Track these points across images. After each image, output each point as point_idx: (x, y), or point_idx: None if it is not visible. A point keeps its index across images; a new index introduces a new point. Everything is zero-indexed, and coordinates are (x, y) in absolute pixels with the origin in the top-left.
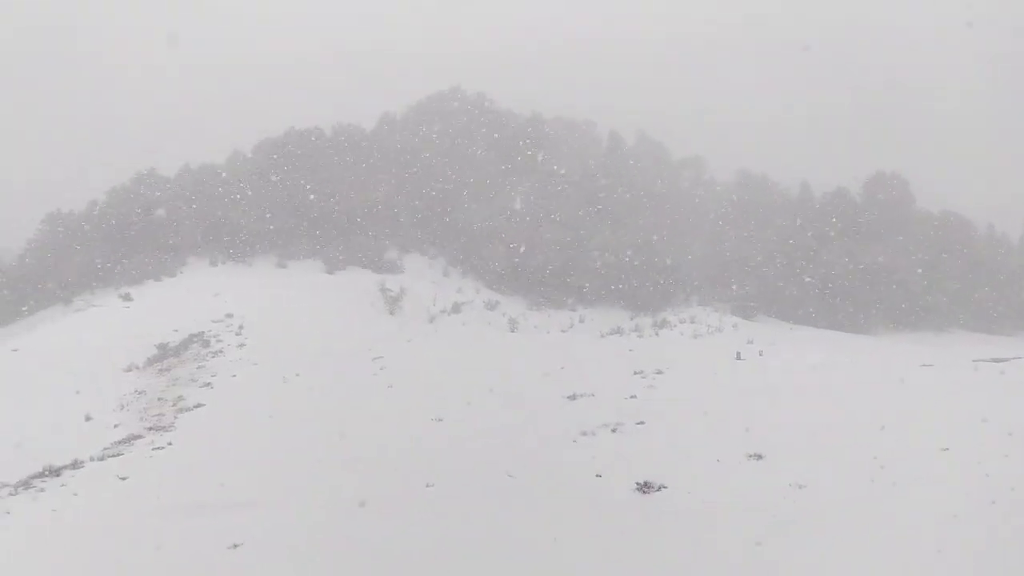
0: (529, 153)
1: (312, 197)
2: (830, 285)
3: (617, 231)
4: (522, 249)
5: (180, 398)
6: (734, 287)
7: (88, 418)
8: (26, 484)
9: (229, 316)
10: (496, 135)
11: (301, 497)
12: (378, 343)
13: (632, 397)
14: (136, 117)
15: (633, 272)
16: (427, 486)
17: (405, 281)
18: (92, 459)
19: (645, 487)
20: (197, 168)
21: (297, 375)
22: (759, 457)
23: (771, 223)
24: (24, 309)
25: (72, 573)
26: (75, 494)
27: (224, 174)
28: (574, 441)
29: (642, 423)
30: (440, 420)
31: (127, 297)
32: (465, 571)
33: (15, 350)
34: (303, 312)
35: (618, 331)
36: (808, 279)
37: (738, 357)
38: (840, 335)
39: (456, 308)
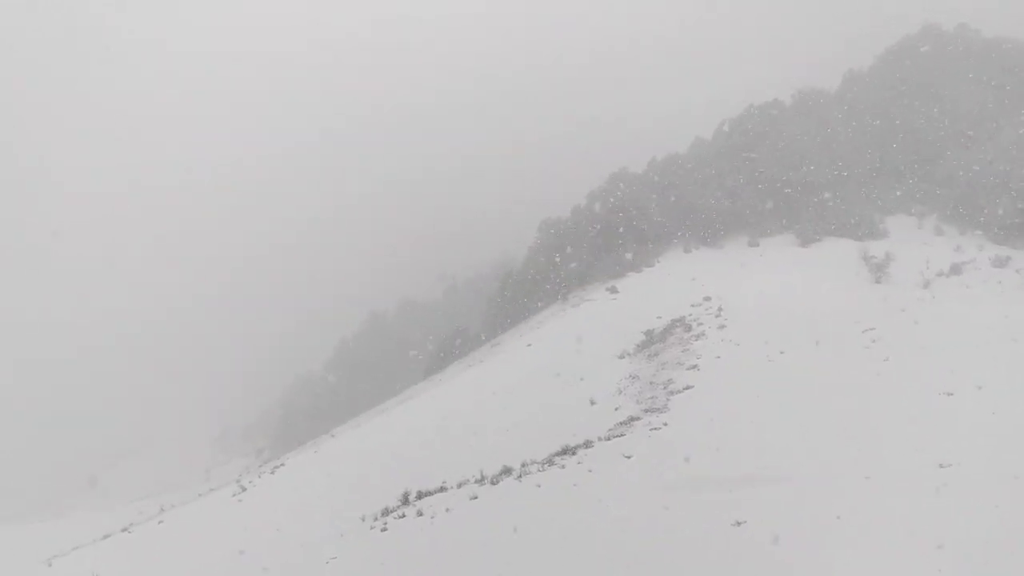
0: None
1: (777, 171)
2: None
3: None
4: None
5: (670, 381)
6: None
7: (592, 402)
8: (549, 461)
9: (707, 299)
10: (987, 68)
11: (805, 474)
12: (866, 315)
13: None
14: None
15: None
16: (939, 467)
17: (890, 246)
18: (600, 439)
19: None
20: (663, 160)
21: (781, 353)
22: None
23: None
24: (529, 309)
25: (592, 538)
26: (590, 471)
27: (688, 162)
28: None
29: None
30: (950, 395)
31: (613, 290)
32: None
33: (529, 345)
34: (780, 289)
35: None
36: None
37: None
38: None
39: (955, 269)
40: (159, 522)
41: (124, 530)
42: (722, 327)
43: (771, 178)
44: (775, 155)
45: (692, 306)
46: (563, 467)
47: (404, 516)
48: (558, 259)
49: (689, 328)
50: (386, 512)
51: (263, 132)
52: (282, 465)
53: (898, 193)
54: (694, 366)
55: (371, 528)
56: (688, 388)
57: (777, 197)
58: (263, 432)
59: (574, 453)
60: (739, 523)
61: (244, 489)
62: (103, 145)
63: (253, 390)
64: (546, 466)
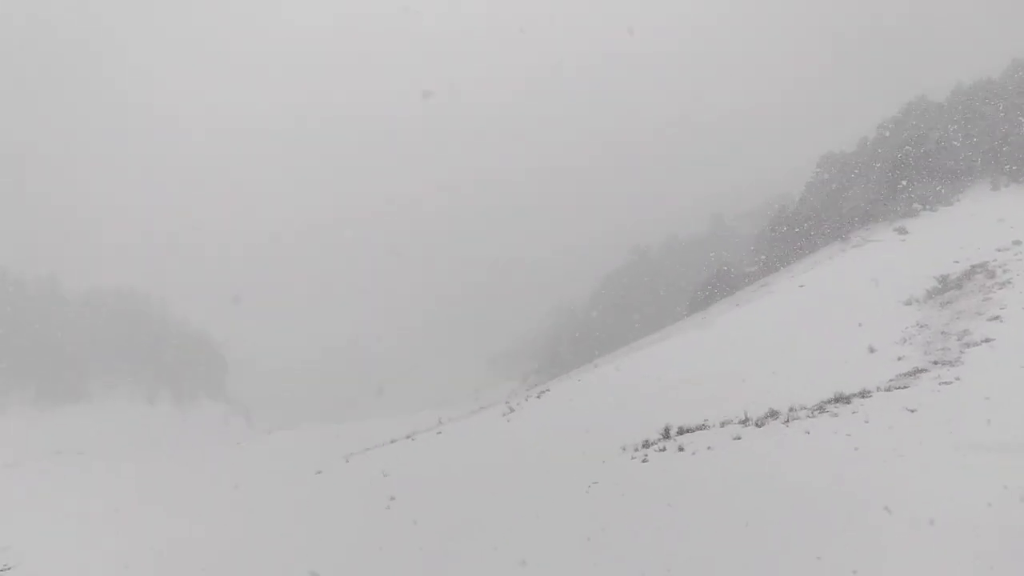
0: None
1: None
2: None
3: None
4: None
5: (965, 332)
6: None
7: (871, 350)
8: (820, 408)
9: (1017, 243)
10: None
11: None
12: None
13: None
14: None
15: None
16: None
17: None
18: (878, 389)
19: None
20: (970, 86)
21: None
22: None
23: None
24: (803, 248)
25: (870, 496)
26: (865, 421)
27: (1004, 88)
28: None
29: None
30: None
31: (902, 230)
32: None
33: (801, 286)
34: None
35: None
36: None
37: None
38: None
39: None
40: (437, 432)
41: (408, 437)
42: None
43: None
44: None
45: (998, 250)
46: (835, 415)
47: (665, 450)
48: (839, 196)
49: (992, 275)
50: (647, 444)
51: None
52: (547, 391)
53: None
54: (996, 317)
55: (631, 458)
56: (987, 341)
57: None
58: (529, 358)
59: (848, 402)
60: None
61: (512, 410)
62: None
63: (522, 318)
64: (816, 413)
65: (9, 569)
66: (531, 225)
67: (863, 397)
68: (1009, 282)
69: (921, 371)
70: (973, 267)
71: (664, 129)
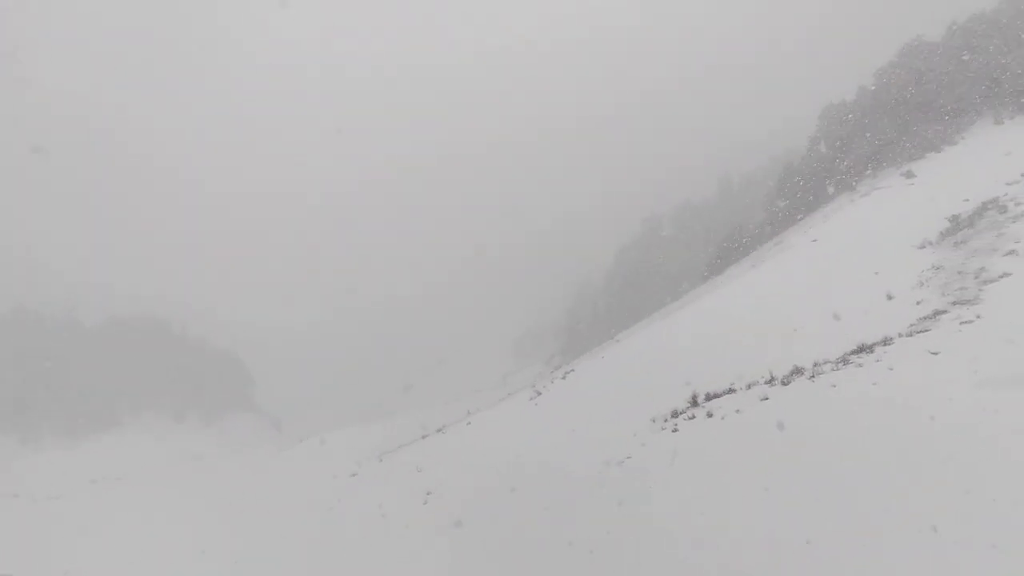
0: None
1: None
2: None
3: None
4: None
5: (982, 269)
6: None
7: (890, 297)
8: (844, 360)
9: None
10: None
11: None
12: None
13: None
14: None
15: None
16: None
17: None
18: (900, 335)
19: None
20: (966, 21)
21: None
22: None
23: None
24: (813, 202)
25: (896, 440)
26: (890, 369)
27: (1000, 19)
28: None
29: None
30: None
31: (909, 174)
32: None
33: (814, 240)
34: None
35: None
36: None
37: None
38: None
39: None
40: (467, 423)
41: (439, 431)
42: None
43: None
44: None
45: (1008, 184)
46: (860, 365)
47: (694, 418)
48: (844, 147)
49: (1005, 210)
50: (675, 414)
51: None
52: (572, 371)
53: None
54: (1011, 251)
55: (662, 429)
56: (1005, 276)
57: None
58: (552, 340)
59: (871, 351)
60: None
61: (539, 394)
62: None
63: (540, 301)
64: (841, 365)
65: None
66: (538, 200)
67: (885, 345)
68: (1022, 215)
69: (941, 313)
70: (984, 204)
71: (661, 90)
